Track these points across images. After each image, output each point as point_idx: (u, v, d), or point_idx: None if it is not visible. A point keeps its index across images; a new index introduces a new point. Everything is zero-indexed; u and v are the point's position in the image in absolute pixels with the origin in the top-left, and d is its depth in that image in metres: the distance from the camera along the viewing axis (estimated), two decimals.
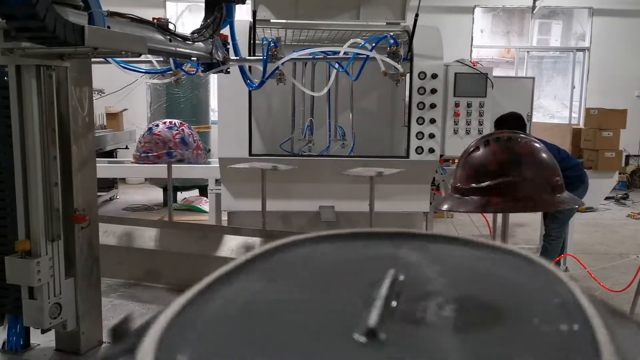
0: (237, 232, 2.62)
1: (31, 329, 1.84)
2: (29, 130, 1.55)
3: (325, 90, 3.10)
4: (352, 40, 2.41)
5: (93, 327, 1.88)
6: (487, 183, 1.38)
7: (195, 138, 3.01)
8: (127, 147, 9.26)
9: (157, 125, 2.96)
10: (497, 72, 13.18)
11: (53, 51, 1.43)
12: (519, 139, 1.46)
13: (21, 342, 1.84)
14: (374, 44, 2.37)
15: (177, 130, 2.94)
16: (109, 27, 1.51)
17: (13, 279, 1.60)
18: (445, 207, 1.50)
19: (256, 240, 2.55)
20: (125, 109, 9.80)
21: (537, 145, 1.49)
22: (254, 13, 4.38)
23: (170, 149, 2.88)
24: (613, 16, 11.14)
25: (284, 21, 4.74)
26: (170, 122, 2.97)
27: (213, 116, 9.17)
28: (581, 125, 7.92)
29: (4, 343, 1.83)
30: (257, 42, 3.88)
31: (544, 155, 1.47)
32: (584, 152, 5.99)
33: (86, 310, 1.80)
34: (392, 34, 2.40)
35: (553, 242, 5.02)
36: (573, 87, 11.88)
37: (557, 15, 12.05)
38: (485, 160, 1.42)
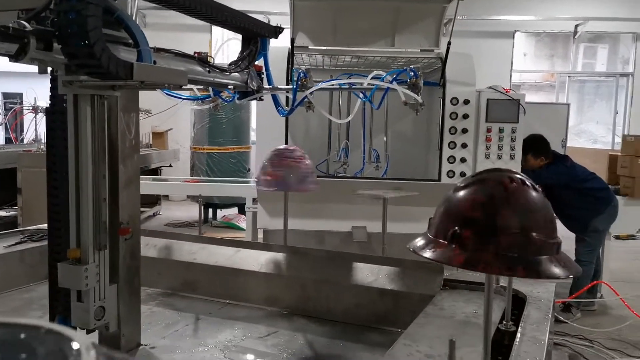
0: (268, 248, 2.80)
1: (77, 329, 2.02)
2: (82, 151, 1.75)
3: (349, 118, 3.27)
4: (375, 72, 2.56)
5: (133, 330, 2.06)
6: (452, 230, 1.19)
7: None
8: (170, 165, 9.64)
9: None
10: (539, 96, 12.95)
11: (106, 83, 1.63)
12: (504, 181, 1.22)
13: None
14: (394, 76, 2.52)
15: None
16: (155, 62, 1.71)
17: (64, 283, 1.79)
18: (414, 247, 1.30)
19: (283, 256, 2.71)
20: (170, 129, 10.23)
21: (526, 192, 1.22)
22: (292, 40, 4.61)
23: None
24: None
25: (321, 48, 4.94)
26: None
27: (253, 136, 9.47)
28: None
29: None
30: (295, 66, 4.09)
31: (531, 203, 1.22)
32: (620, 179, 5.92)
33: (127, 315, 1.98)
34: (413, 66, 2.54)
35: (584, 267, 4.99)
36: (616, 113, 11.69)
37: (603, 39, 11.90)
38: (459, 202, 1.24)
